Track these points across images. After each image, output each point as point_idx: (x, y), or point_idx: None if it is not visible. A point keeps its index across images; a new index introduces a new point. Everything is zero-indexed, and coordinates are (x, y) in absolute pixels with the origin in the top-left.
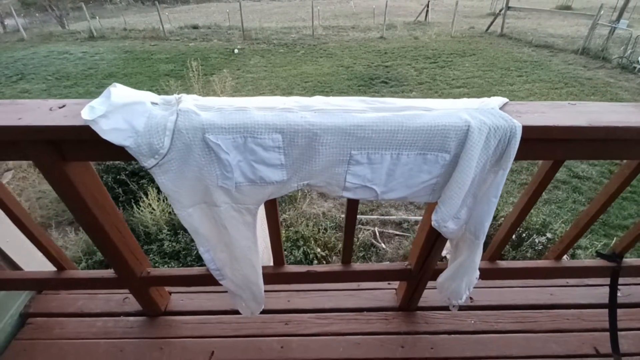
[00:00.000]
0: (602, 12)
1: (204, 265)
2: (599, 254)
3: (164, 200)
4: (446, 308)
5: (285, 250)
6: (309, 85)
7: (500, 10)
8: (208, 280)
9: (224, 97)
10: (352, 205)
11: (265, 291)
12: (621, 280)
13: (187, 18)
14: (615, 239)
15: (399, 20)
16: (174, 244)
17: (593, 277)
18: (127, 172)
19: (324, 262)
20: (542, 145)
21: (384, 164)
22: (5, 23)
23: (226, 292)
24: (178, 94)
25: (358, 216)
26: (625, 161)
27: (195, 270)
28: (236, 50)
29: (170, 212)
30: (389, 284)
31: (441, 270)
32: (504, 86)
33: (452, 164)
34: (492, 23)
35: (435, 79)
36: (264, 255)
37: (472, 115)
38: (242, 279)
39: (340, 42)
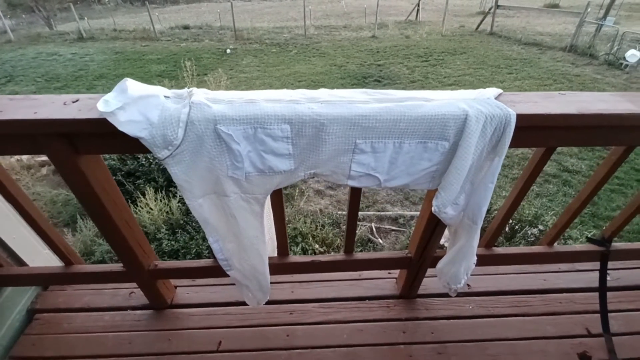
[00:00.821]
0: (589, 9)
1: (209, 258)
2: (589, 239)
3: (161, 200)
4: (445, 295)
5: None
6: (302, 84)
7: (490, 9)
8: (215, 271)
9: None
10: (355, 195)
11: (270, 282)
12: (610, 264)
13: (177, 18)
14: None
15: (391, 19)
16: (172, 242)
17: (584, 261)
18: (122, 172)
19: None
20: (535, 132)
21: (387, 153)
22: None
23: (231, 284)
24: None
25: None
26: (612, 148)
27: (202, 262)
28: (228, 51)
29: (167, 212)
30: (389, 273)
31: (440, 258)
32: (495, 83)
33: (451, 152)
34: (481, 21)
35: (428, 77)
36: (268, 247)
37: (469, 105)
38: (250, 268)
39: (333, 41)
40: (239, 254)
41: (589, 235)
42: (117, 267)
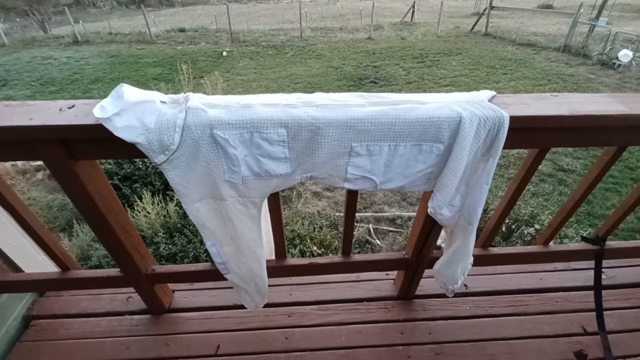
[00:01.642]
0: (582, 10)
1: (207, 261)
2: (584, 238)
3: (158, 204)
4: (443, 295)
5: None
6: (299, 86)
7: (484, 10)
8: (212, 275)
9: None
10: (352, 197)
11: (268, 285)
12: (605, 263)
13: (173, 21)
14: None
15: (386, 21)
16: (170, 246)
17: (579, 260)
18: (119, 176)
19: None
20: (528, 134)
21: (383, 155)
22: None
23: (229, 288)
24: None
25: None
26: (605, 148)
27: (200, 266)
28: (225, 53)
29: (165, 216)
30: (387, 274)
31: (437, 259)
32: (490, 84)
33: (446, 154)
34: (476, 23)
35: (423, 78)
36: (266, 250)
37: (463, 107)
38: (248, 272)
39: (329, 43)
40: (237, 257)
41: (584, 234)
42: (114, 272)
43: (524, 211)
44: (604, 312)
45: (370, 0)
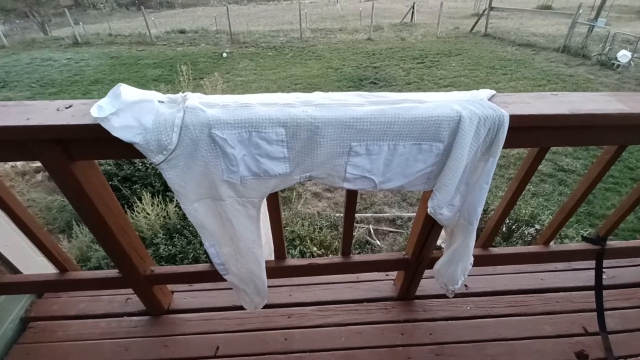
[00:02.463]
0: (581, 11)
1: (206, 262)
2: (584, 238)
3: (158, 205)
4: (443, 296)
5: None
6: (299, 87)
7: (484, 11)
8: (211, 276)
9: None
10: (351, 198)
11: (267, 286)
12: (606, 263)
13: (173, 23)
14: None
15: (386, 22)
16: (169, 247)
17: (579, 260)
18: (119, 177)
19: None
20: (528, 133)
21: (382, 155)
22: None
23: (228, 289)
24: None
25: None
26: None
27: (199, 267)
28: (225, 54)
29: (165, 217)
30: (387, 275)
31: (437, 259)
32: (490, 84)
33: (446, 153)
34: (476, 23)
35: (423, 79)
36: (265, 250)
37: (463, 106)
38: (247, 272)
39: (329, 44)
40: (236, 258)
41: (585, 234)
42: (113, 273)
43: (524, 211)
44: (605, 312)
45: (370, 1)
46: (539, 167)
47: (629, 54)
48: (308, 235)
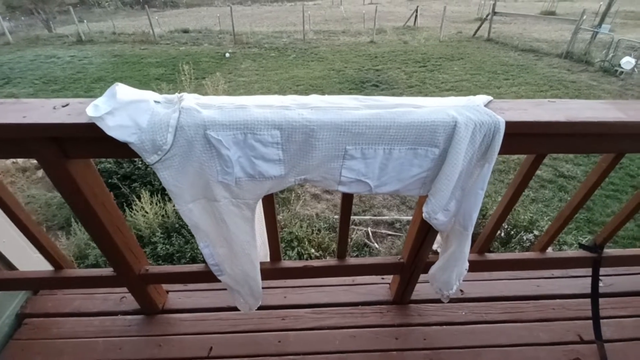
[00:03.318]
0: (584, 17)
1: (202, 263)
2: (581, 246)
3: (157, 204)
4: (438, 300)
5: None
6: (301, 88)
7: (487, 16)
8: (206, 276)
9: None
10: (347, 201)
11: (262, 287)
12: (602, 270)
13: (177, 22)
14: None
15: (389, 25)
16: (167, 246)
17: (576, 267)
18: (119, 175)
19: None
20: (524, 139)
21: (377, 159)
22: None
23: (223, 289)
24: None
25: (351, 217)
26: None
27: (194, 267)
28: (227, 54)
29: (163, 215)
30: (382, 278)
31: (432, 263)
32: (491, 89)
33: (441, 158)
34: (479, 28)
35: (425, 82)
36: (260, 252)
37: (459, 112)
38: (241, 274)
39: (331, 46)
40: (230, 259)
41: (582, 242)
42: (108, 271)
43: (523, 217)
44: (601, 321)
45: (373, 4)
46: (539, 172)
47: (632, 61)
48: (306, 236)
